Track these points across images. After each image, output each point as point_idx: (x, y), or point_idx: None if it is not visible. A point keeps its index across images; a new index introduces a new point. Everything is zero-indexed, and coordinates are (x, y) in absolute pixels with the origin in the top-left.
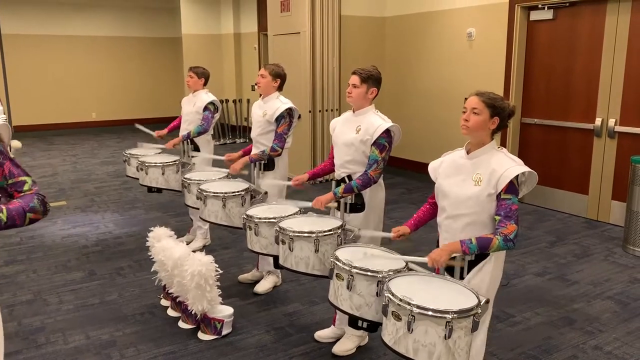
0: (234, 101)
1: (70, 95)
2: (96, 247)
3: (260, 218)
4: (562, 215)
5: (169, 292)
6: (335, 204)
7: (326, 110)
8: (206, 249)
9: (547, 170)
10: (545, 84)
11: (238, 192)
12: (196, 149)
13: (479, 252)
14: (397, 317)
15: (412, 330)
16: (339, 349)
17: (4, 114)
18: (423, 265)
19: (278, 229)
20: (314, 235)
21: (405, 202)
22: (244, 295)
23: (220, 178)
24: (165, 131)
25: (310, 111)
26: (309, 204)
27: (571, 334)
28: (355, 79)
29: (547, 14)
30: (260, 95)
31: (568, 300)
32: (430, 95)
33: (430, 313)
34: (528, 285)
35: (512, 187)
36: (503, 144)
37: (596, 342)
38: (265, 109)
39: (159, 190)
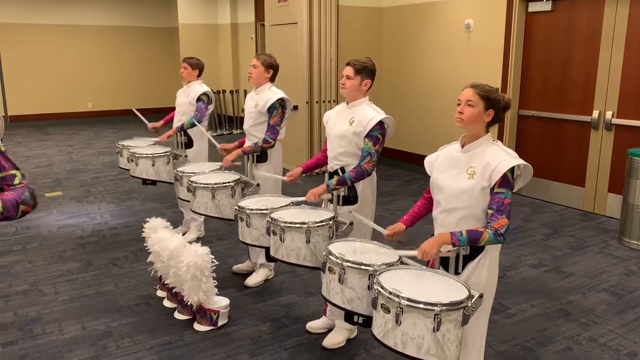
0: (231, 92)
1: (66, 85)
2: (92, 238)
3: (252, 209)
4: (559, 208)
5: (165, 283)
6: (329, 196)
7: (323, 102)
8: (202, 240)
9: (543, 163)
10: (543, 76)
11: (227, 183)
12: (189, 142)
13: (469, 245)
14: (386, 310)
15: (401, 322)
16: (329, 342)
17: None
18: (415, 258)
19: (269, 219)
20: (305, 226)
21: (403, 194)
22: (239, 287)
23: (213, 170)
24: (160, 123)
25: (307, 102)
26: (303, 199)
27: (566, 326)
28: (349, 70)
29: (546, 6)
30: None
31: (563, 292)
32: (428, 86)
33: (418, 305)
34: (524, 277)
35: (506, 180)
36: (500, 136)
37: (591, 334)
38: (257, 100)
39: (154, 182)
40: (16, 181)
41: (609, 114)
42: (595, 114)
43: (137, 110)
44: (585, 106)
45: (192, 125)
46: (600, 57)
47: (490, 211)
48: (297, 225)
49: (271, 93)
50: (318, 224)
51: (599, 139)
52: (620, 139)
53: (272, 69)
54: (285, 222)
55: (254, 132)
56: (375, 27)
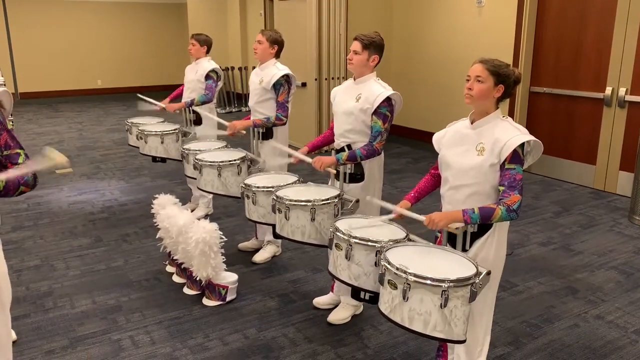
0: (240, 69)
1: (75, 62)
2: (102, 214)
3: (258, 187)
4: (569, 186)
5: (174, 258)
6: (335, 171)
7: (332, 79)
8: (211, 217)
9: (555, 140)
10: (555, 52)
11: (233, 160)
12: (197, 119)
13: (481, 223)
14: (393, 286)
15: (408, 298)
16: (334, 317)
17: (4, 83)
18: (420, 225)
19: (275, 197)
20: (310, 204)
21: (412, 171)
22: (248, 263)
23: (219, 148)
24: (166, 100)
25: (316, 79)
26: (310, 160)
27: (573, 303)
28: (356, 45)
29: None
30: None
31: (571, 270)
32: (438, 63)
33: (425, 281)
34: (532, 255)
35: (517, 156)
36: (511, 113)
37: (598, 311)
38: (261, 76)
39: (164, 159)
40: (20, 160)
41: (622, 91)
42: (609, 90)
43: (146, 88)
44: (598, 83)
45: (202, 103)
46: (614, 32)
47: (501, 188)
48: (302, 203)
49: (276, 69)
50: (323, 202)
51: (611, 116)
52: (633, 116)
53: (277, 44)
54: (290, 200)
55: (259, 109)
56: (385, 3)
